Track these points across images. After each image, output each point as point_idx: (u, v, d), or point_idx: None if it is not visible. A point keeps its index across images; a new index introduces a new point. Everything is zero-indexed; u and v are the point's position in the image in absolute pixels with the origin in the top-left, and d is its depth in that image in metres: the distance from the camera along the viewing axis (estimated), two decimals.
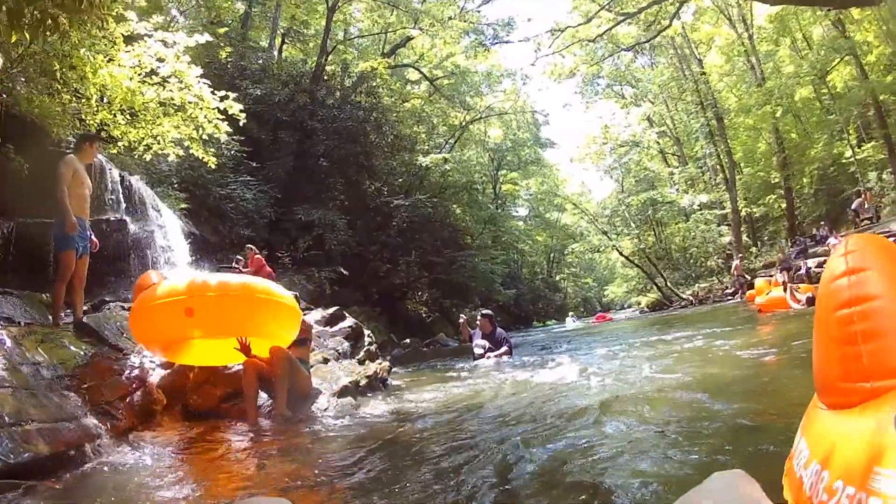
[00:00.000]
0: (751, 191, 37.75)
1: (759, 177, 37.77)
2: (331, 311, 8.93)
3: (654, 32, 25.94)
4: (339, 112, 26.02)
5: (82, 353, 5.16)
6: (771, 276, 18.22)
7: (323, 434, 4.81)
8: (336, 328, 8.42)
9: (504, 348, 10.12)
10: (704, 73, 35.72)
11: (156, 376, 5.43)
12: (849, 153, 30.99)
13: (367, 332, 9.09)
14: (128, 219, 9.87)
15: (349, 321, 8.73)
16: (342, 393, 5.94)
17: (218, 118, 11.89)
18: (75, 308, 6.45)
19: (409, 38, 36.23)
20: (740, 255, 26.58)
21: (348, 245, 24.57)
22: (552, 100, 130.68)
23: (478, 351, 10.12)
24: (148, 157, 12.14)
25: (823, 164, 33.06)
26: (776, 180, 36.23)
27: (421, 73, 38.63)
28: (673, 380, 5.47)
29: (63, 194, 6.25)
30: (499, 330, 10.57)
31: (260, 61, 26.82)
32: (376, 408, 5.85)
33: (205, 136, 12.45)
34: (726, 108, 36.33)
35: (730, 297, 28.42)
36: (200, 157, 12.49)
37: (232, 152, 20.17)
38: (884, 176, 28.31)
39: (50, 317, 6.48)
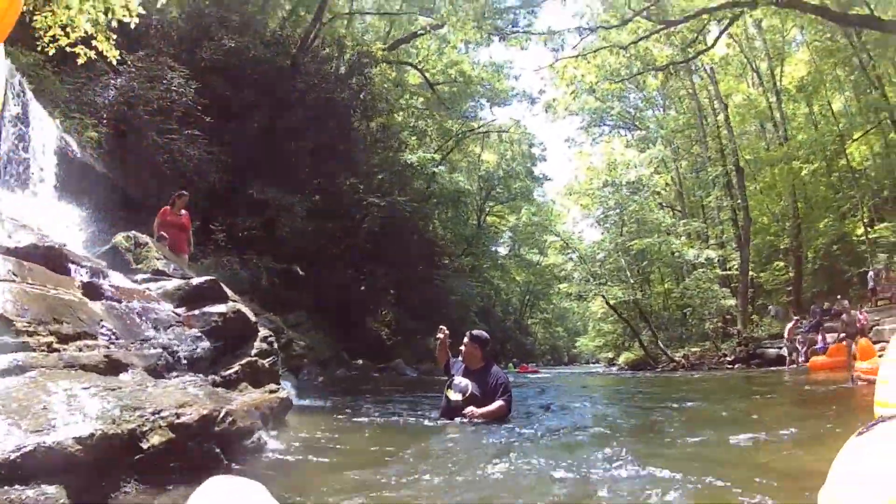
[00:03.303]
0: (760, 255, 35.17)
1: (767, 241, 35.42)
2: (199, 280, 5.05)
3: (693, 54, 22.70)
4: (324, 83, 22.25)
5: None
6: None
7: None
8: (197, 311, 4.54)
9: (499, 403, 6.02)
10: (728, 119, 32.82)
11: None
12: (860, 231, 29.61)
13: (265, 333, 5.17)
14: None
15: (225, 306, 4.73)
16: None
17: None
18: None
19: (416, 35, 32.83)
20: (797, 317, 23.70)
21: (306, 238, 20.74)
22: (551, 136, 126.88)
23: (453, 397, 6.02)
24: (52, 51, 10.08)
25: (829, 240, 31.37)
26: (784, 246, 34.09)
27: (422, 74, 35.06)
28: None
29: None
30: (494, 368, 6.45)
31: (244, 16, 22.97)
32: None
33: (114, 22, 9.76)
34: (745, 162, 33.74)
35: (730, 367, 25.70)
36: (103, 51, 10.25)
37: (183, 99, 16.67)
38: None
39: None
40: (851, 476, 1.36)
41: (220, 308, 4.70)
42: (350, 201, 24.47)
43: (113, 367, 3.13)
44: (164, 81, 16.39)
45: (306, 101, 21.79)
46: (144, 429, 2.59)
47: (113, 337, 3.50)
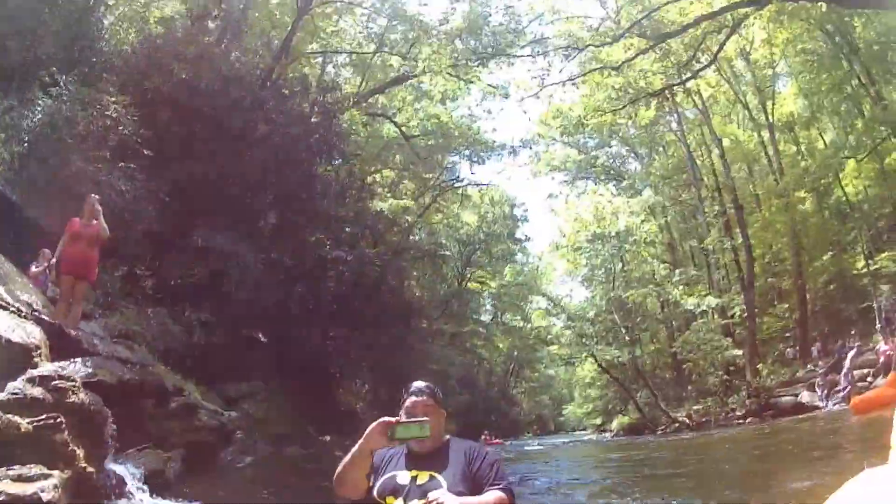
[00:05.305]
0: (763, 298, 33.32)
1: (768, 283, 33.67)
2: None
3: (690, 73, 21.04)
4: (286, 122, 19.86)
5: None
6: None
7: None
8: None
9: (496, 495, 2.75)
10: (724, 155, 31.35)
11: None
12: (860, 265, 28.20)
13: (43, 372, 2.77)
14: None
15: None
16: None
17: None
18: None
19: (392, 83, 30.80)
20: (853, 347, 21.60)
21: (264, 297, 17.98)
22: (533, 195, 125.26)
23: None
24: None
25: (827, 279, 30.25)
26: (786, 287, 32.63)
27: (396, 126, 32.67)
28: None
29: None
30: (460, 442, 3.11)
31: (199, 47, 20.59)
32: None
33: None
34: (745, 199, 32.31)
35: (740, 421, 24.36)
36: None
37: (120, 128, 14.59)
38: None
39: None
40: None
41: None
42: (315, 257, 21.73)
43: None
44: (99, 106, 14.30)
45: (267, 143, 19.39)
46: None
47: None
